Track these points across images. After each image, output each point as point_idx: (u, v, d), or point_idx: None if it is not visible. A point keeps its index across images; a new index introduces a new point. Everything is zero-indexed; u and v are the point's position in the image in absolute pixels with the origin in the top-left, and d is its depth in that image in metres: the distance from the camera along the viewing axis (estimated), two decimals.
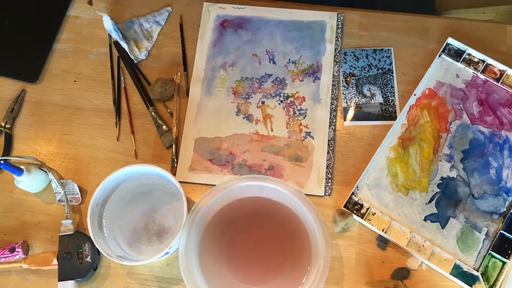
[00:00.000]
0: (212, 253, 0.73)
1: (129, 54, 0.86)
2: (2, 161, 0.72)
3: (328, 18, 0.87)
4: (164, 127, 0.82)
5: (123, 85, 0.86)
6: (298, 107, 0.82)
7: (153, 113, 0.83)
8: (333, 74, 0.84)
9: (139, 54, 0.87)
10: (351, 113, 0.82)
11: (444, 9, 1.24)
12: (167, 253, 0.68)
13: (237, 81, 0.85)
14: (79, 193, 0.78)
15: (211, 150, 0.81)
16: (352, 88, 0.83)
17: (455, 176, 0.77)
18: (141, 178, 0.75)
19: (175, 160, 0.80)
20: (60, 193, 0.77)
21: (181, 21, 0.90)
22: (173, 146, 0.81)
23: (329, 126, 0.81)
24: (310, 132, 0.81)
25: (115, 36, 0.86)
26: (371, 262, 0.74)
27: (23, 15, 0.92)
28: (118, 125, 0.83)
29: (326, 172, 0.78)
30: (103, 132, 0.83)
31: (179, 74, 0.86)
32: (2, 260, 0.74)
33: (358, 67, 0.85)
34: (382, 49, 0.85)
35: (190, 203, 0.75)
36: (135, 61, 0.87)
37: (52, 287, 0.74)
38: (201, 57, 0.86)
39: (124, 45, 0.85)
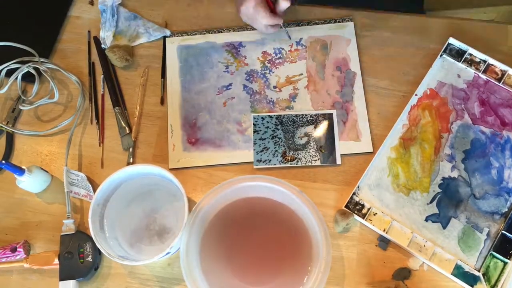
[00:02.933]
0: (213, 253, 0.73)
1: (101, 35, 0.88)
2: (3, 161, 0.72)
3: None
4: (127, 128, 0.82)
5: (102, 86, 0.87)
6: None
7: (118, 114, 0.83)
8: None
9: (107, 41, 0.87)
10: None
11: (432, 9, 1.23)
12: (168, 253, 0.68)
13: None
14: (92, 189, 0.79)
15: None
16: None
17: (456, 176, 0.77)
18: (142, 178, 0.75)
19: (131, 162, 0.81)
20: (76, 184, 0.78)
21: (166, 25, 0.90)
22: (131, 149, 0.81)
23: None
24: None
25: (104, 17, 0.88)
26: (372, 263, 0.74)
27: (25, 15, 0.92)
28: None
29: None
30: (105, 132, 0.83)
31: (146, 70, 0.87)
32: (4, 259, 0.74)
33: None
34: None
35: (191, 203, 0.75)
36: (102, 46, 0.88)
37: (53, 287, 0.74)
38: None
39: (102, 28, 0.88)
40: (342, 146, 0.80)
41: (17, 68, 0.84)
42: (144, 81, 0.86)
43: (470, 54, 0.84)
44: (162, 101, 0.85)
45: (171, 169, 0.80)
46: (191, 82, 0.86)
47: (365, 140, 0.80)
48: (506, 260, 0.72)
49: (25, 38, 0.86)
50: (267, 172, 0.80)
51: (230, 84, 0.85)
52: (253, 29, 0.88)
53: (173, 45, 0.88)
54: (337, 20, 0.89)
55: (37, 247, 0.77)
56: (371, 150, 0.80)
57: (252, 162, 0.80)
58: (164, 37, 0.89)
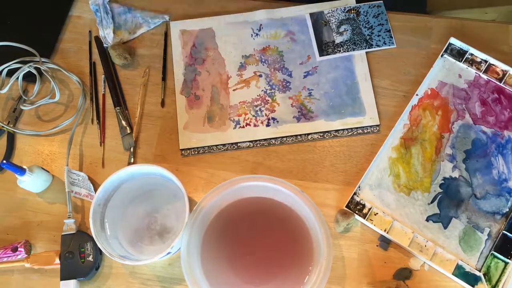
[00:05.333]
0: (214, 252, 0.73)
1: (101, 34, 0.88)
2: (4, 161, 0.72)
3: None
4: (128, 128, 0.82)
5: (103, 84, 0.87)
6: None
7: (119, 113, 0.83)
8: None
9: (108, 39, 0.88)
10: None
11: (437, 9, 1.23)
12: (169, 253, 0.68)
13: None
14: (93, 189, 0.79)
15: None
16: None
17: (457, 177, 0.77)
18: (143, 178, 0.75)
19: (132, 162, 0.81)
20: (77, 184, 0.78)
21: (167, 29, 0.90)
22: (132, 149, 0.81)
23: None
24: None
25: (98, 16, 0.88)
26: (373, 263, 0.74)
27: (25, 15, 0.92)
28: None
29: None
30: (106, 132, 0.84)
31: (147, 70, 0.87)
32: (5, 259, 0.75)
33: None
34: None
35: (192, 202, 0.75)
36: (104, 45, 0.88)
37: (54, 287, 0.74)
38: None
39: (100, 28, 0.88)
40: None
41: (18, 68, 0.84)
42: (145, 81, 0.86)
43: (471, 54, 0.84)
44: (163, 103, 0.85)
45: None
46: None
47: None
48: (507, 260, 0.72)
49: (26, 38, 0.86)
50: (268, 172, 0.80)
51: None
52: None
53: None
54: None
55: (38, 246, 0.77)
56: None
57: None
58: (166, 37, 0.89)
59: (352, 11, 0.87)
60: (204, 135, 0.82)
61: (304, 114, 0.82)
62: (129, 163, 0.81)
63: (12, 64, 0.85)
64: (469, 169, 0.78)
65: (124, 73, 0.87)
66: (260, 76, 0.85)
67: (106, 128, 0.84)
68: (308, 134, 0.81)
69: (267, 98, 0.84)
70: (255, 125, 0.82)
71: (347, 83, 0.84)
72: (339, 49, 0.85)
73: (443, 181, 0.77)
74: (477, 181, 0.77)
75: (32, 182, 0.77)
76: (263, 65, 0.86)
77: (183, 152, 0.81)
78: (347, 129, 0.81)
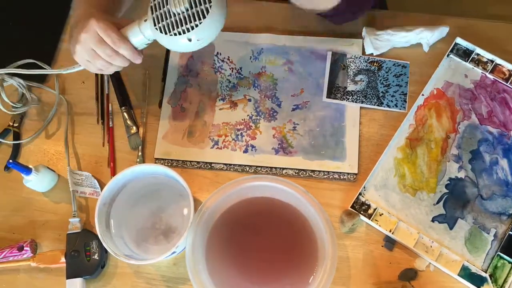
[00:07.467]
0: (219, 252, 0.73)
1: None
2: (11, 160, 0.73)
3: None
4: (134, 128, 0.82)
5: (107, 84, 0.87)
6: None
7: (125, 113, 0.83)
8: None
9: None
10: None
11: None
12: (174, 252, 0.68)
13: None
14: (98, 185, 0.79)
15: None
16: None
17: (463, 177, 0.77)
18: (148, 177, 0.75)
19: (142, 160, 0.81)
20: (81, 184, 0.79)
21: None
22: (140, 148, 0.82)
23: None
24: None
25: None
26: (378, 263, 0.74)
27: (27, 15, 0.92)
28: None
29: None
30: (113, 132, 0.84)
31: (147, 73, 0.87)
32: (11, 258, 0.75)
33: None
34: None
35: (197, 202, 0.75)
36: None
37: (60, 285, 0.74)
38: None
39: None
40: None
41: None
42: (148, 81, 0.86)
43: (477, 54, 0.83)
44: (161, 104, 0.85)
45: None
46: None
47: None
48: None
49: (28, 38, 0.86)
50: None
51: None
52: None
53: None
54: None
55: (44, 246, 0.78)
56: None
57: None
58: None
59: (375, 64, 0.83)
60: (181, 149, 0.81)
61: (283, 148, 0.80)
62: (140, 162, 0.81)
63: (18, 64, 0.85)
64: (475, 170, 0.77)
65: (129, 73, 0.87)
66: (250, 100, 0.83)
67: (114, 128, 0.84)
68: (284, 168, 0.79)
69: (250, 124, 0.82)
70: (232, 149, 0.80)
71: (334, 125, 0.80)
72: (348, 97, 0.82)
73: (449, 182, 0.77)
74: (483, 182, 0.77)
75: (38, 182, 0.77)
76: (255, 90, 0.84)
77: (156, 161, 0.81)
78: (323, 171, 0.79)
